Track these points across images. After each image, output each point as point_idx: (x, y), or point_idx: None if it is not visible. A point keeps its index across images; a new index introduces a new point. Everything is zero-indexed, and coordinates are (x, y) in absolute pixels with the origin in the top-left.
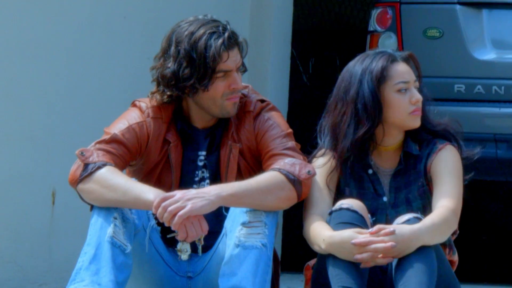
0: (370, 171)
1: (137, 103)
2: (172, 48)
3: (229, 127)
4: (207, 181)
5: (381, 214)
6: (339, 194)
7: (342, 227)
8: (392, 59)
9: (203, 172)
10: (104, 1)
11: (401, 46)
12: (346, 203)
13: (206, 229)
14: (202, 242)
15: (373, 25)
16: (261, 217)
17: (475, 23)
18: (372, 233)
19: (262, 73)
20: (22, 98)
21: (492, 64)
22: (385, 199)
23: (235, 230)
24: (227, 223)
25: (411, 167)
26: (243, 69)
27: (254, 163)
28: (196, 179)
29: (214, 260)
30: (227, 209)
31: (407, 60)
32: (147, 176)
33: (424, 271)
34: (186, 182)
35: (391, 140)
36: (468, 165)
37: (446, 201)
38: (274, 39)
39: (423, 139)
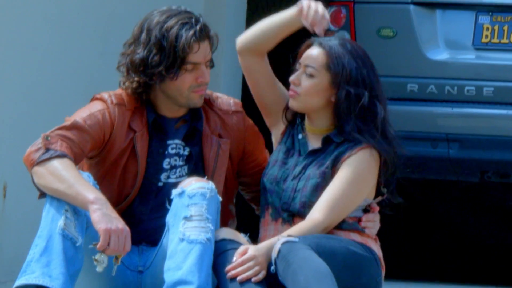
0: (300, 136)
1: (97, 95)
2: (143, 35)
3: (207, 119)
4: (179, 169)
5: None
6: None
7: (223, 256)
8: None
9: (175, 160)
10: None
11: None
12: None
13: (127, 250)
14: (119, 262)
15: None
16: (203, 212)
17: (428, 23)
18: (231, 269)
19: (215, 69)
20: None
21: (445, 64)
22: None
23: (178, 225)
24: (169, 218)
25: (330, 152)
26: (211, 64)
27: (235, 160)
28: (167, 167)
29: (160, 254)
30: (170, 203)
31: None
32: (112, 165)
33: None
34: (152, 172)
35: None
36: (421, 164)
37: (320, 213)
38: (228, 35)
39: (350, 139)
